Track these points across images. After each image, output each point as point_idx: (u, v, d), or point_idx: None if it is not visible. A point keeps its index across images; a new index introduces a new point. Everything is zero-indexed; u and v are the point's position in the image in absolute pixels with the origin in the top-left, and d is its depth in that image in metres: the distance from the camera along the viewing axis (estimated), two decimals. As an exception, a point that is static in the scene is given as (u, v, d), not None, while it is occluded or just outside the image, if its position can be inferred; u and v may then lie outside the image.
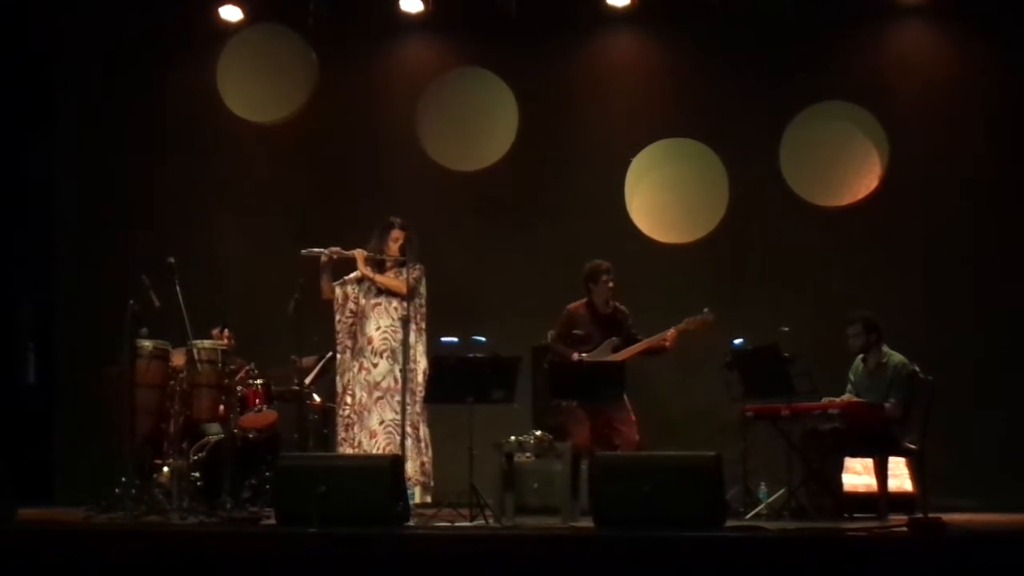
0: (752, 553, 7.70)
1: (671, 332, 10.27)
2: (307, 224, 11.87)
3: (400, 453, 9.54)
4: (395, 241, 10.21)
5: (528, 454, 9.70)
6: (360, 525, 8.24)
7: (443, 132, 12.20)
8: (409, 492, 9.45)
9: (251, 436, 10.34)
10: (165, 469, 9.79)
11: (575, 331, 10.42)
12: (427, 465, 10.04)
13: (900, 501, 9.92)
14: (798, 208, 11.71)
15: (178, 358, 9.85)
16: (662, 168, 12.02)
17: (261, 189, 12.67)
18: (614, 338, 10.31)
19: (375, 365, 10.08)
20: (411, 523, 8.80)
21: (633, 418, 10.21)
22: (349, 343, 10.22)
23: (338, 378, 10.25)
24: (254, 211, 12.62)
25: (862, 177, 11.79)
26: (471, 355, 9.74)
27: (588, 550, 7.92)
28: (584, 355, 10.32)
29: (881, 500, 9.78)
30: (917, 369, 9.92)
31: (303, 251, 10.20)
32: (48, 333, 12.74)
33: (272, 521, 8.84)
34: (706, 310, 10.27)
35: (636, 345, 10.30)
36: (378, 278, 10.17)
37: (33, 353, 12.69)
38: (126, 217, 12.60)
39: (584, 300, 10.45)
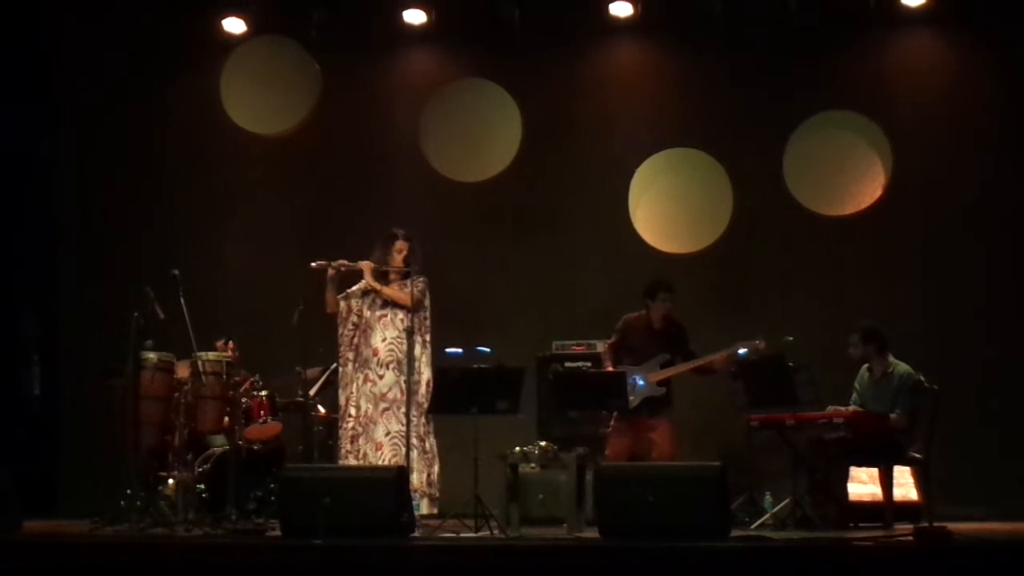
0: (757, 563, 7.71)
1: (720, 356, 10.20)
2: (311, 235, 11.88)
3: (405, 465, 9.53)
4: (399, 252, 10.19)
5: (533, 465, 9.70)
6: (365, 536, 8.25)
7: (447, 143, 12.20)
8: (415, 504, 9.45)
9: (256, 448, 10.35)
10: (170, 481, 9.80)
11: (626, 342, 10.37)
12: (434, 477, 10.02)
13: (905, 510, 9.90)
14: (802, 217, 11.70)
15: (183, 370, 9.85)
16: (666, 178, 12.01)
17: (265, 200, 12.66)
18: (666, 355, 10.26)
19: (381, 376, 10.06)
20: (416, 534, 8.80)
21: (670, 432, 10.16)
22: (351, 355, 10.20)
23: (340, 390, 10.23)
24: (258, 222, 12.62)
25: (866, 186, 11.78)
26: (475, 366, 9.74)
27: (594, 560, 7.92)
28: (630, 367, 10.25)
29: (886, 509, 9.77)
30: (922, 378, 9.92)
31: (312, 264, 10.19)
32: (52, 345, 12.73)
33: (277, 533, 8.85)
34: (759, 340, 10.20)
35: (678, 367, 10.24)
36: (384, 290, 10.16)
37: (37, 365, 12.69)
38: (130, 229, 12.60)
39: (643, 312, 10.41)
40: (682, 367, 10.23)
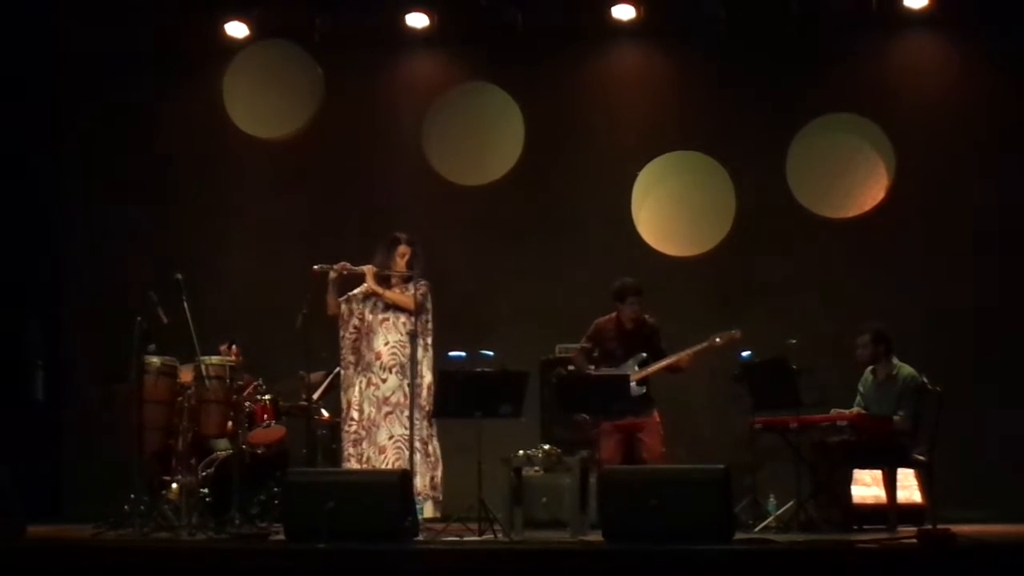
0: (761, 566, 7.71)
1: (685, 355, 10.19)
2: (314, 239, 11.89)
3: (409, 468, 9.53)
4: (401, 256, 10.20)
5: (537, 468, 9.71)
6: (369, 540, 8.25)
7: (449, 146, 12.21)
8: (419, 507, 9.45)
9: (259, 452, 10.34)
10: (174, 485, 9.79)
11: (601, 346, 10.38)
12: (437, 480, 10.02)
13: (909, 513, 9.89)
14: (805, 220, 11.71)
15: (186, 374, 9.85)
16: (669, 181, 12.02)
17: (267, 204, 12.67)
18: (642, 354, 10.26)
19: (384, 380, 10.06)
20: (420, 538, 8.80)
21: (660, 431, 10.16)
22: (352, 359, 10.21)
23: (342, 394, 10.24)
24: (261, 226, 12.63)
25: (868, 188, 11.79)
26: (478, 370, 9.74)
27: (597, 564, 7.92)
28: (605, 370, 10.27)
29: (890, 512, 9.77)
30: (926, 380, 9.92)
31: (315, 267, 10.19)
32: (56, 350, 12.75)
33: (281, 537, 8.85)
34: (735, 330, 10.21)
35: (655, 365, 10.23)
36: (387, 293, 10.17)
37: (41, 370, 12.70)
38: (133, 233, 12.62)
39: (614, 315, 10.41)
40: (660, 364, 10.20)
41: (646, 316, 10.32)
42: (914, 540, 8.07)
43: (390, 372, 10.06)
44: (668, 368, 10.22)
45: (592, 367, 10.31)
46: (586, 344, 10.41)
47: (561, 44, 12.38)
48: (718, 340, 10.18)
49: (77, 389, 12.43)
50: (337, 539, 8.19)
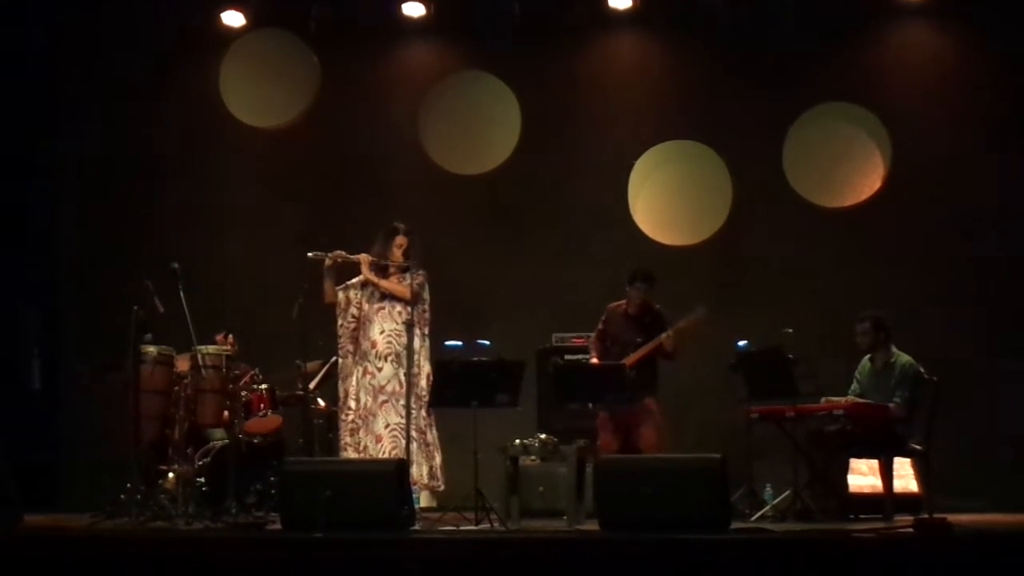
0: (758, 555, 7.70)
1: (663, 336, 10.25)
2: (311, 229, 11.87)
3: (405, 457, 9.54)
4: (399, 247, 10.18)
5: (533, 457, 9.72)
6: (365, 529, 8.25)
7: (446, 136, 12.21)
8: (415, 497, 9.45)
9: (256, 441, 10.34)
10: (170, 475, 9.79)
11: (609, 329, 10.43)
12: (436, 469, 10.00)
13: (906, 502, 9.91)
14: (801, 209, 11.71)
15: (183, 363, 9.84)
16: (665, 170, 12.02)
17: (264, 194, 12.66)
18: (637, 339, 10.30)
19: (380, 369, 10.05)
20: (416, 527, 8.81)
21: (657, 421, 10.18)
22: (351, 347, 10.20)
23: (340, 383, 10.23)
24: (257, 216, 12.62)
25: (865, 178, 11.79)
26: (475, 359, 9.75)
27: (593, 553, 7.91)
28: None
29: (887, 501, 9.77)
30: (922, 369, 9.92)
31: (309, 254, 10.19)
32: (53, 339, 12.74)
33: (277, 526, 8.85)
34: (699, 308, 10.25)
35: (638, 351, 10.27)
36: (382, 283, 10.15)
37: (38, 359, 12.70)
38: (129, 222, 12.61)
39: (624, 300, 10.45)
40: (641, 351, 10.25)
41: (652, 304, 10.34)
42: (910, 529, 8.07)
43: (385, 361, 10.05)
44: (655, 354, 10.26)
45: (596, 353, 10.43)
46: (601, 327, 10.48)
47: (558, 33, 12.38)
48: (685, 325, 10.20)
49: (74, 378, 12.43)
50: (334, 528, 8.19)
